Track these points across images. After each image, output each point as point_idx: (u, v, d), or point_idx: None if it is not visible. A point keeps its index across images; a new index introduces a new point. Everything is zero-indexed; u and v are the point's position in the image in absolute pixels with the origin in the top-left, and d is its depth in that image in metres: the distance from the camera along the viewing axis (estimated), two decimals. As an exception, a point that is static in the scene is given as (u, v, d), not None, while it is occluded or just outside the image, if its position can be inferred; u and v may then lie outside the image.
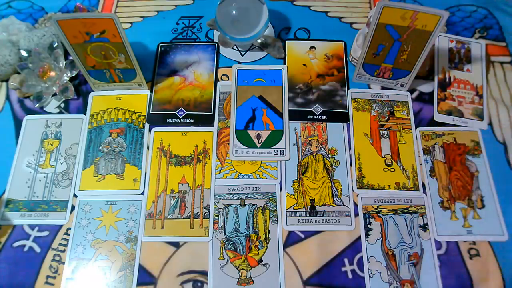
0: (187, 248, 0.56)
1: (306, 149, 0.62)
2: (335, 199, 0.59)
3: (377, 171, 0.60)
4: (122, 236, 0.57)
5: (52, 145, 0.63)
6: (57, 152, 0.63)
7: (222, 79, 0.68)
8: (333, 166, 0.61)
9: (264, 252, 0.56)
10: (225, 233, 0.57)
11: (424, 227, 0.57)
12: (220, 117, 0.65)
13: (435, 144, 0.62)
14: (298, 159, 0.61)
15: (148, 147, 0.63)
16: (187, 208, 0.58)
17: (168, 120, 0.64)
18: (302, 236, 0.57)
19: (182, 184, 0.60)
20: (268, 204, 0.58)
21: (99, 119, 0.65)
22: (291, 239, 0.56)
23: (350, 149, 0.62)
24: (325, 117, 0.64)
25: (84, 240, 0.57)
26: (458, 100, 0.65)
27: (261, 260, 0.55)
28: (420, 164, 0.61)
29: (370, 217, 0.57)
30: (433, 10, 0.52)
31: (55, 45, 0.66)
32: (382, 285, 0.54)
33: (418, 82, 0.66)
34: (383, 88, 0.67)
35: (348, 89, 0.67)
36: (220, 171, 0.61)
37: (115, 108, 0.66)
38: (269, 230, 0.57)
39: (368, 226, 0.57)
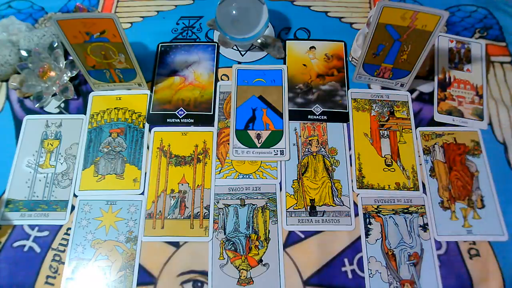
0: (187, 248, 0.56)
1: (306, 149, 0.62)
2: (335, 199, 0.59)
3: (377, 171, 0.60)
4: (122, 236, 0.57)
5: (52, 145, 0.63)
6: (57, 152, 0.63)
7: (222, 79, 0.68)
8: (333, 166, 0.61)
9: (264, 252, 0.56)
10: (225, 233, 0.57)
11: (424, 227, 0.57)
12: (220, 117, 0.65)
13: (435, 144, 0.62)
14: (298, 159, 0.61)
15: (148, 147, 0.63)
16: (187, 208, 0.58)
17: (168, 120, 0.64)
18: (302, 236, 0.57)
19: (182, 184, 0.60)
20: (268, 204, 0.58)
21: (99, 119, 0.65)
22: (291, 239, 0.56)
23: (350, 149, 0.62)
24: (325, 117, 0.64)
25: (84, 240, 0.57)
26: (458, 100, 0.65)
27: (261, 260, 0.55)
28: (420, 164, 0.61)
29: (370, 217, 0.57)
30: (433, 10, 0.52)
31: (55, 45, 0.66)
32: (382, 285, 0.54)
33: (418, 82, 0.66)
34: (383, 88, 0.67)
35: (348, 89, 0.67)
36: (220, 171, 0.61)
37: (115, 108, 0.66)
38: (269, 230, 0.57)
39: (368, 226, 0.57)
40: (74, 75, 0.67)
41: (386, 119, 0.64)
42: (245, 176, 0.60)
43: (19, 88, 0.66)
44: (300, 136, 0.63)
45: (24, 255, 0.56)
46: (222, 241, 0.56)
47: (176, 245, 0.56)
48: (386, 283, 0.54)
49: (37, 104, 0.65)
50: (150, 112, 0.65)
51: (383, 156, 0.62)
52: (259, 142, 0.62)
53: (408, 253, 0.55)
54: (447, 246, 0.56)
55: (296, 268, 0.55)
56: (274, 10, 0.74)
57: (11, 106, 0.67)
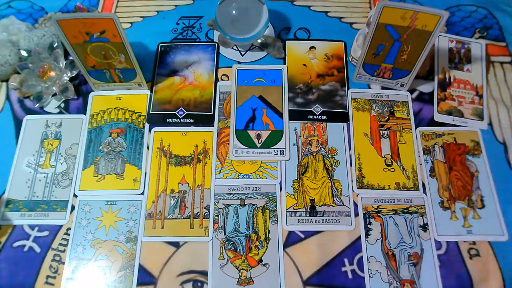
0: (187, 248, 0.56)
1: (306, 149, 0.62)
2: (335, 199, 0.59)
3: (377, 171, 0.60)
4: (122, 236, 0.57)
5: (52, 145, 0.63)
6: (57, 152, 0.63)
7: (222, 79, 0.68)
8: (333, 166, 0.61)
9: (264, 252, 0.56)
10: (225, 233, 0.57)
11: (424, 227, 0.57)
12: (220, 117, 0.65)
13: (435, 144, 0.62)
14: (298, 159, 0.61)
15: (148, 147, 0.63)
16: (187, 208, 0.58)
17: (168, 120, 0.64)
18: (302, 236, 0.57)
19: (182, 184, 0.60)
20: (268, 204, 0.58)
21: (99, 119, 0.65)
22: (291, 239, 0.56)
23: (350, 149, 0.62)
24: (325, 117, 0.64)
25: (84, 240, 0.57)
26: (458, 100, 0.65)
27: (261, 260, 0.55)
28: (420, 164, 0.61)
29: (370, 217, 0.57)
30: (433, 10, 0.52)
31: (55, 45, 0.66)
32: (382, 285, 0.54)
33: (418, 82, 0.66)
34: (383, 88, 0.67)
35: (348, 89, 0.67)
36: (220, 171, 0.61)
37: (115, 108, 0.66)
38: (269, 230, 0.57)
39: (368, 226, 0.57)
40: (74, 75, 0.67)
41: (386, 119, 0.64)
42: (245, 176, 0.60)
43: (19, 88, 0.66)
44: (300, 136, 0.63)
45: (24, 255, 0.56)
46: (222, 241, 0.56)
47: (176, 245, 0.56)
48: (386, 283, 0.54)
49: (37, 104, 0.65)
50: (150, 112, 0.65)
51: (383, 156, 0.62)
52: (259, 142, 0.62)
53: (408, 253, 0.55)
54: (447, 246, 0.56)
55: (296, 268, 0.55)
56: (274, 10, 0.74)
57: (11, 106, 0.67)
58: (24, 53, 0.66)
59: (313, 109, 0.65)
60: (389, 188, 0.59)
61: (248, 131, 0.63)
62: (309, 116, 0.64)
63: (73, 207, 0.59)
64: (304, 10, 0.75)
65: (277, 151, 0.62)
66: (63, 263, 0.56)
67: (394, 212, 0.58)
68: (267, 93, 0.66)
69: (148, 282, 0.54)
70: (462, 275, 0.54)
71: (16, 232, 0.58)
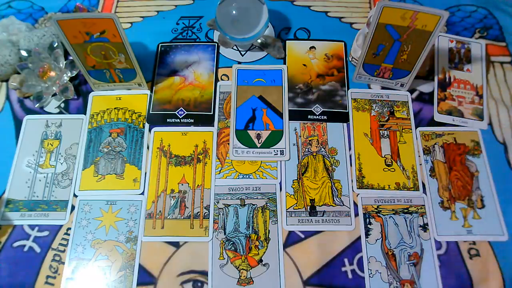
0: (187, 248, 0.56)
1: (306, 149, 0.62)
2: (335, 199, 0.59)
3: (377, 171, 0.60)
4: (122, 236, 0.57)
5: (52, 145, 0.63)
6: (57, 152, 0.63)
7: (222, 79, 0.68)
8: (333, 166, 0.61)
9: (264, 252, 0.56)
10: (225, 233, 0.57)
11: (424, 227, 0.57)
12: (220, 117, 0.65)
13: (435, 144, 0.62)
14: (298, 159, 0.61)
15: (148, 147, 0.63)
16: (187, 208, 0.58)
17: (168, 120, 0.64)
18: (302, 236, 0.57)
19: (182, 184, 0.60)
20: (268, 204, 0.58)
21: (99, 119, 0.65)
22: (291, 239, 0.56)
23: (350, 149, 0.62)
24: (325, 117, 0.64)
25: (84, 240, 0.57)
26: (458, 100, 0.65)
27: (261, 260, 0.55)
28: (420, 164, 0.61)
29: (370, 217, 0.57)
30: (433, 10, 0.52)
31: (55, 45, 0.66)
32: (382, 285, 0.54)
33: (418, 82, 0.66)
34: (383, 88, 0.67)
35: (348, 89, 0.67)
36: (220, 171, 0.61)
37: (115, 108, 0.66)
38: (269, 230, 0.57)
39: (368, 226, 0.57)
40: (74, 75, 0.67)
41: (386, 119, 0.64)
42: (245, 176, 0.60)
43: (19, 88, 0.66)
44: (300, 136, 0.63)
45: (24, 255, 0.56)
46: (222, 241, 0.56)
47: (176, 245, 0.56)
48: (386, 283, 0.54)
49: (37, 104, 0.65)
50: (150, 112, 0.65)
51: (383, 156, 0.62)
52: (259, 142, 0.62)
53: (408, 253, 0.55)
54: (447, 246, 0.56)
55: (296, 268, 0.55)
56: (274, 10, 0.74)
57: (11, 106, 0.67)
58: (24, 53, 0.66)
59: (313, 109, 0.65)
60: (389, 188, 0.59)
61: (248, 131, 0.63)
62: (309, 116, 0.64)
63: (73, 207, 0.59)
64: (304, 10, 0.75)
65: (277, 151, 0.62)
66: (63, 263, 0.56)
67: (394, 212, 0.58)
68: (267, 93, 0.66)
69: (148, 282, 0.54)
70: (462, 275, 0.54)
71: (16, 232, 0.58)
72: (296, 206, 0.58)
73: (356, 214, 0.58)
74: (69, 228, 0.58)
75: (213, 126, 0.64)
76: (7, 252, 0.56)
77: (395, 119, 0.64)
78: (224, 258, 0.55)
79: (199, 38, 0.72)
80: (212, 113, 0.65)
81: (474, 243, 0.56)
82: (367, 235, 0.56)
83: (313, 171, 0.61)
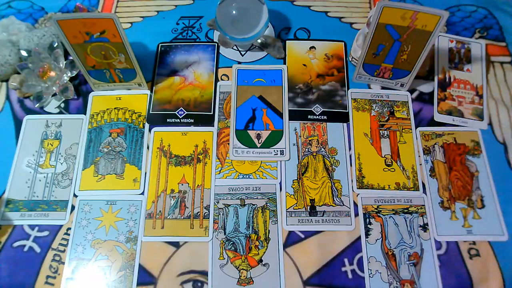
0: (187, 248, 0.56)
1: (306, 149, 0.62)
2: (335, 199, 0.59)
3: (377, 171, 0.60)
4: (122, 236, 0.57)
5: (52, 145, 0.63)
6: (57, 152, 0.63)
7: (222, 79, 0.68)
8: (333, 166, 0.61)
9: (264, 252, 0.56)
10: (225, 233, 0.57)
11: (424, 227, 0.57)
12: (220, 117, 0.65)
13: (435, 144, 0.62)
14: (298, 159, 0.61)
15: (148, 147, 0.63)
16: (187, 208, 0.58)
17: (168, 120, 0.64)
18: (302, 236, 0.57)
19: (182, 184, 0.60)
20: (268, 204, 0.58)
21: (99, 119, 0.65)
22: (291, 239, 0.56)
23: (350, 149, 0.62)
24: (325, 117, 0.64)
25: (84, 240, 0.57)
26: (458, 100, 0.65)
27: (261, 260, 0.55)
28: (420, 164, 0.61)
29: (370, 217, 0.57)
30: (433, 10, 0.52)
31: (55, 45, 0.66)
32: (382, 285, 0.54)
33: (418, 82, 0.66)
34: (383, 88, 0.67)
35: (348, 89, 0.67)
36: (220, 171, 0.61)
37: (115, 108, 0.66)
38: (269, 230, 0.57)
39: (368, 226, 0.57)
40: (74, 75, 0.67)
41: (386, 119, 0.64)
42: (245, 176, 0.60)
43: (19, 88, 0.66)
44: (300, 136, 0.63)
45: (24, 255, 0.56)
46: (222, 241, 0.56)
47: (176, 245, 0.56)
48: (386, 283, 0.54)
49: (37, 104, 0.65)
50: (150, 112, 0.65)
51: (383, 156, 0.62)
52: (259, 142, 0.62)
53: (408, 253, 0.55)
54: (447, 246, 0.56)
55: (296, 268, 0.55)
56: (274, 10, 0.74)
57: (11, 106, 0.67)
58: (24, 53, 0.66)
59: (313, 109, 0.65)
60: (389, 188, 0.59)
61: (248, 131, 0.63)
62: (309, 116, 0.64)
63: (73, 207, 0.59)
64: (304, 10, 0.75)
65: (277, 151, 0.62)
66: (63, 263, 0.56)
67: (394, 212, 0.58)
68: (267, 93, 0.66)
69: (148, 282, 0.54)
70: (462, 275, 0.54)
71: (16, 232, 0.58)
72: (296, 206, 0.58)
73: (356, 214, 0.58)
74: (69, 228, 0.58)
75: (213, 126, 0.64)
76: (7, 252, 0.56)
77: (395, 119, 0.64)
78: (224, 258, 0.55)
79: (199, 38, 0.72)
80: (212, 113, 0.65)
81: (474, 243, 0.56)
82: (367, 235, 0.56)
83: (313, 171, 0.61)
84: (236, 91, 0.66)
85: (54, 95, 0.66)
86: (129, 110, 0.66)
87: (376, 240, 0.56)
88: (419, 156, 0.62)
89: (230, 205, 0.59)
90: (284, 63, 0.69)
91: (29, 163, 0.62)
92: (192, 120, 0.64)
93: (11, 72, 0.67)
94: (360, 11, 0.74)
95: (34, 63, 0.65)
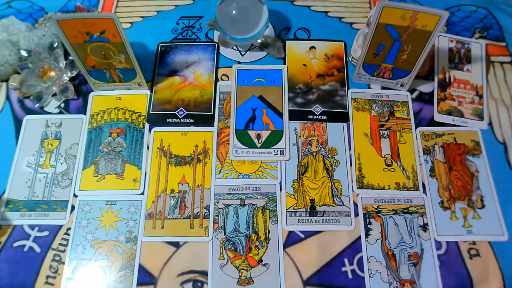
0: (187, 248, 0.56)
1: (306, 149, 0.62)
2: (335, 199, 0.59)
3: (377, 171, 0.60)
4: (122, 236, 0.57)
5: (52, 145, 0.63)
6: (57, 152, 0.63)
7: (222, 79, 0.68)
8: (333, 166, 0.61)
9: (264, 252, 0.56)
10: (225, 233, 0.57)
11: (424, 227, 0.57)
12: (220, 117, 0.65)
13: (435, 144, 0.62)
14: (298, 159, 0.61)
15: (148, 147, 0.63)
16: (187, 208, 0.58)
17: (168, 120, 0.64)
18: (302, 236, 0.57)
19: (182, 184, 0.60)
20: (268, 204, 0.58)
21: (99, 119, 0.65)
22: (291, 239, 0.56)
23: (350, 149, 0.62)
24: (325, 117, 0.64)
25: (84, 240, 0.57)
26: (458, 100, 0.65)
27: (261, 260, 0.55)
28: (420, 164, 0.61)
29: (370, 217, 0.57)
30: (433, 10, 0.52)
31: (55, 45, 0.66)
32: (382, 285, 0.54)
33: (418, 82, 0.66)
34: (383, 88, 0.67)
35: (348, 89, 0.67)
36: (220, 171, 0.61)
37: (115, 108, 0.66)
38: (269, 230, 0.57)
39: (368, 226, 0.57)
40: (74, 75, 0.67)
41: (386, 119, 0.64)
42: (245, 176, 0.60)
43: (19, 88, 0.66)
44: (300, 136, 0.63)
45: (24, 255, 0.56)
46: (222, 241, 0.56)
47: (176, 245, 0.56)
48: (386, 283, 0.54)
49: (37, 104, 0.65)
50: (150, 112, 0.65)
51: (383, 156, 0.62)
52: (259, 142, 0.62)
53: (408, 253, 0.55)
54: (447, 246, 0.56)
55: (296, 268, 0.55)
56: (274, 10, 0.74)
57: (11, 106, 0.67)
58: (24, 53, 0.66)
59: (313, 109, 0.65)
60: (389, 188, 0.59)
61: (248, 131, 0.63)
62: (309, 116, 0.64)
63: (73, 207, 0.59)
64: (304, 10, 0.75)
65: (277, 151, 0.62)
66: (63, 263, 0.56)
67: (394, 212, 0.58)
68: (267, 93, 0.66)
69: (148, 282, 0.54)
70: (462, 275, 0.54)
71: (16, 232, 0.58)
72: (296, 206, 0.58)
73: (356, 214, 0.58)
74: (69, 228, 0.58)
75: (213, 126, 0.64)
76: (7, 252, 0.56)
77: (395, 119, 0.64)
78: (224, 258, 0.55)
79: (199, 38, 0.72)
80: (212, 113, 0.65)
81: (474, 243, 0.56)
82: (367, 235, 0.56)
83: (313, 171, 0.61)
84: (236, 91, 0.66)
85: (54, 95, 0.66)
86: (129, 110, 0.66)
87: (376, 240, 0.56)
88: (419, 156, 0.62)
89: (230, 205, 0.59)
90: (284, 63, 0.69)
91: (29, 163, 0.62)
92: (192, 120, 0.64)
93: (11, 72, 0.67)
94: (360, 11, 0.75)
95: (34, 63, 0.65)
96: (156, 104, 0.66)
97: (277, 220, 0.57)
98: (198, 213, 0.58)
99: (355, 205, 0.58)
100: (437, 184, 0.59)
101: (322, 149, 0.62)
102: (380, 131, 0.63)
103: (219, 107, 0.65)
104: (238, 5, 0.63)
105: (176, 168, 0.61)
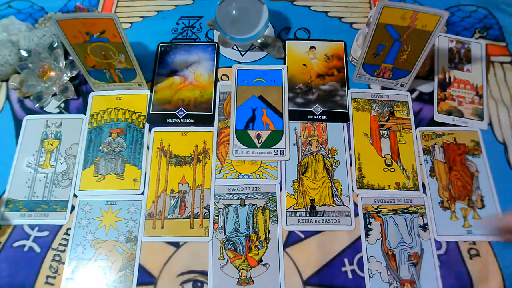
0: (187, 248, 0.56)
1: (306, 149, 0.62)
2: (335, 199, 0.59)
3: (377, 171, 0.60)
4: (122, 236, 0.57)
5: (52, 145, 0.63)
6: (57, 152, 0.63)
7: (222, 79, 0.68)
8: (333, 166, 0.61)
9: (264, 252, 0.56)
10: (225, 233, 0.57)
11: (424, 227, 0.57)
12: (220, 117, 0.65)
13: (435, 144, 0.62)
14: (298, 159, 0.61)
15: (148, 147, 0.63)
16: (187, 208, 0.58)
17: (168, 120, 0.64)
18: (302, 236, 0.57)
19: (182, 184, 0.60)
20: (268, 204, 0.58)
21: (99, 119, 0.65)
22: (291, 239, 0.56)
23: (350, 149, 0.62)
24: (325, 117, 0.64)
25: (84, 240, 0.57)
26: (458, 100, 0.65)
27: (261, 260, 0.55)
28: (420, 164, 0.61)
29: (370, 217, 0.57)
30: (433, 10, 0.52)
31: (55, 45, 0.66)
32: (382, 285, 0.54)
33: (418, 82, 0.66)
34: (383, 88, 0.67)
35: (348, 89, 0.67)
36: (220, 171, 0.61)
37: (115, 108, 0.66)
38: (269, 230, 0.57)
39: (368, 226, 0.57)
40: (74, 75, 0.67)
41: (386, 119, 0.64)
42: (245, 176, 0.60)
43: (19, 88, 0.66)
44: (300, 136, 0.63)
45: (24, 255, 0.56)
46: (222, 241, 0.56)
47: (176, 245, 0.56)
48: (386, 283, 0.54)
49: (37, 104, 0.65)
50: (150, 112, 0.65)
51: (383, 156, 0.62)
52: (259, 142, 0.62)
53: (408, 253, 0.55)
54: (447, 246, 0.56)
55: (296, 268, 0.55)
56: (274, 10, 0.74)
57: (11, 106, 0.67)
58: (24, 53, 0.66)
59: (313, 109, 0.65)
60: (389, 188, 0.59)
61: (248, 131, 0.63)
62: (309, 116, 0.64)
63: (73, 207, 0.59)
64: (304, 10, 0.75)
65: (277, 151, 0.62)
66: (63, 263, 0.56)
67: (394, 212, 0.58)
68: (267, 93, 0.66)
69: (148, 282, 0.54)
70: (462, 275, 0.54)
71: (16, 232, 0.58)
72: (296, 206, 0.58)
73: (356, 214, 0.58)
74: (69, 228, 0.58)
75: (213, 126, 0.64)
76: (7, 252, 0.56)
77: (395, 119, 0.64)
78: (224, 258, 0.55)
79: (199, 38, 0.72)
80: (212, 113, 0.65)
81: (474, 243, 0.56)
82: (367, 235, 0.56)
83: (313, 171, 0.61)
84: (236, 91, 0.66)
85: (54, 95, 0.66)
86: (129, 110, 0.66)
87: (376, 240, 0.56)
88: (419, 156, 0.62)
89: (230, 205, 0.59)
90: (284, 63, 0.69)
91: (29, 163, 0.62)
92: (192, 120, 0.64)
93: (11, 72, 0.67)
94: (360, 11, 0.74)
95: (34, 63, 0.65)
96: (156, 104, 0.66)
97: (277, 220, 0.57)
98: (198, 213, 0.58)
99: (355, 205, 0.58)
100: (437, 184, 0.59)
101: (322, 149, 0.62)
102: (380, 131, 0.63)
103: (219, 107, 0.65)
104: (238, 5, 0.63)
105: (176, 168, 0.61)
